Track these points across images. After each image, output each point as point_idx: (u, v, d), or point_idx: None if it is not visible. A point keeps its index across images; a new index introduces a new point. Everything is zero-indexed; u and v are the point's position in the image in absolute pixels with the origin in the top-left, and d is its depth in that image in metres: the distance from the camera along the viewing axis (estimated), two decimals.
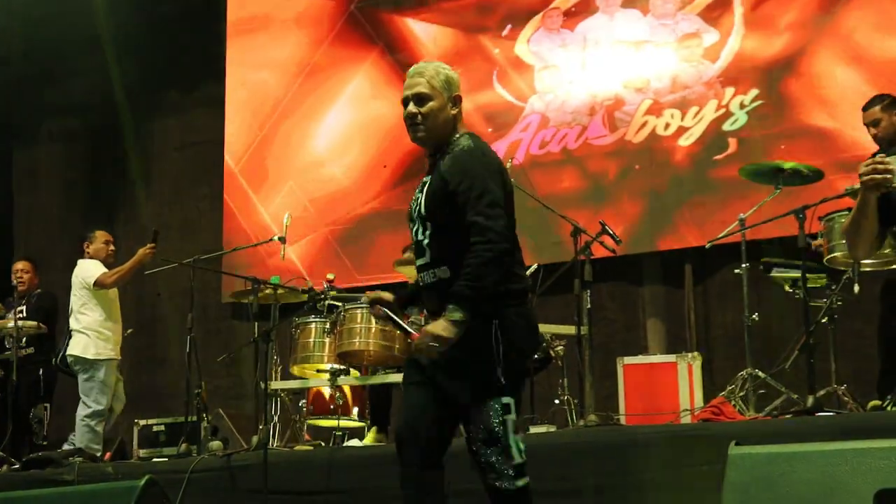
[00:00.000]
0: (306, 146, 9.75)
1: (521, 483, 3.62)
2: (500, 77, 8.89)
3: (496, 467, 3.61)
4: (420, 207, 3.76)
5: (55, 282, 8.97)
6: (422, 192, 3.78)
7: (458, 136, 3.78)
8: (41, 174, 11.00)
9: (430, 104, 3.75)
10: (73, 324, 7.58)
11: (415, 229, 3.81)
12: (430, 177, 3.78)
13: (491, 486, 3.63)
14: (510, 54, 8.88)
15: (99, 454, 7.26)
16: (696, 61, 8.21)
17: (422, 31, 9.36)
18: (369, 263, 8.92)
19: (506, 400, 3.61)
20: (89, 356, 7.47)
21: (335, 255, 9.17)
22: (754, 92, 7.91)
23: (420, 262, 3.79)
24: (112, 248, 7.76)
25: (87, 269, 7.60)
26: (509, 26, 8.93)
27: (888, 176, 3.21)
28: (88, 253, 7.71)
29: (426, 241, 3.75)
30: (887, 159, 3.28)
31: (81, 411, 7.44)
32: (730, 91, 8.00)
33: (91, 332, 7.56)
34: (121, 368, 7.83)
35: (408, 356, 3.91)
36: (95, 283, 7.49)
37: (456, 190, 3.63)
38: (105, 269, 7.56)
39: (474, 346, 3.60)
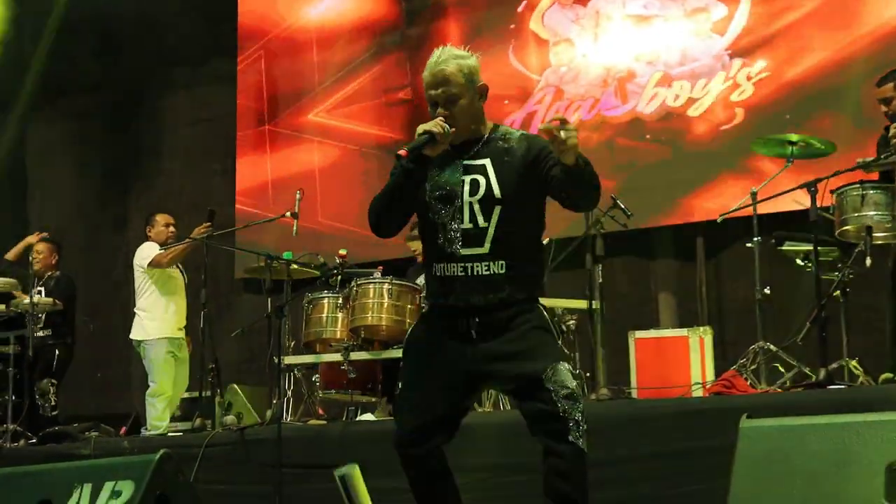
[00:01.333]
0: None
1: (587, 449, 3.63)
2: (516, 51, 9.01)
3: (581, 426, 3.59)
4: (487, 191, 3.70)
5: (71, 258, 9.00)
6: (482, 174, 3.72)
7: (493, 125, 3.82)
8: (55, 152, 11.01)
9: (461, 103, 3.71)
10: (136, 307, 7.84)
11: (465, 217, 3.71)
12: (486, 160, 3.73)
13: (570, 442, 3.59)
14: (525, 29, 9.01)
15: (162, 431, 7.35)
16: (704, 35, 8.33)
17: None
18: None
19: (569, 365, 3.67)
20: (139, 337, 7.73)
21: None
22: (761, 64, 8.02)
23: (469, 251, 3.71)
24: (172, 229, 7.87)
25: (143, 252, 7.81)
26: (524, 2, 9.05)
27: None
28: (150, 236, 7.88)
29: (490, 230, 3.69)
30: None
31: (147, 390, 7.66)
32: (737, 63, 8.14)
33: (143, 314, 7.78)
34: (191, 348, 7.94)
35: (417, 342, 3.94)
36: (150, 263, 7.68)
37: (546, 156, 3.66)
38: (160, 250, 7.69)
39: (534, 323, 3.70)
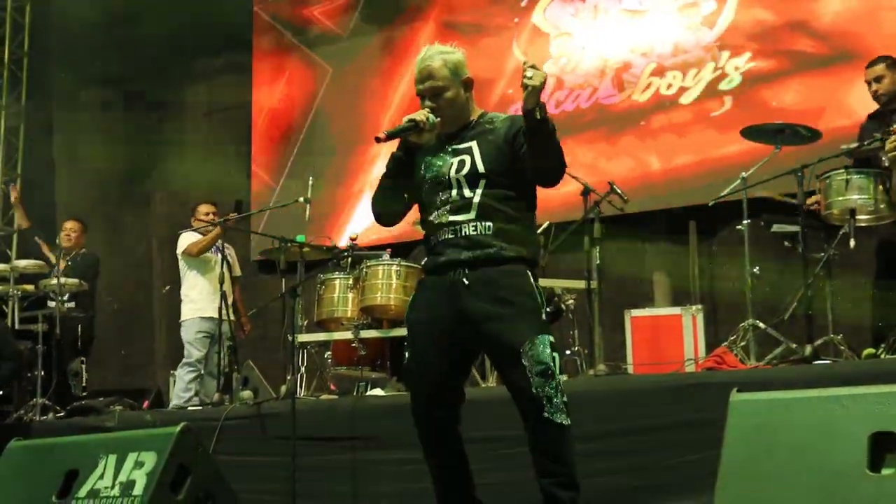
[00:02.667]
0: None
1: (567, 422, 3.65)
2: (520, 44, 9.05)
3: (553, 401, 3.62)
4: (472, 167, 3.81)
5: (95, 241, 9.01)
6: (468, 154, 3.83)
7: (481, 113, 3.93)
8: (81, 140, 11.00)
9: (446, 95, 3.84)
10: None
11: (452, 191, 3.83)
12: (472, 142, 3.85)
13: (546, 420, 3.63)
14: (528, 23, 9.08)
15: (185, 403, 7.42)
16: (695, 28, 8.40)
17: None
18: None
19: (551, 338, 3.68)
20: (181, 319, 7.82)
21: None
22: (747, 55, 8.09)
23: (457, 217, 3.81)
24: (211, 217, 7.84)
25: (180, 241, 7.89)
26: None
27: None
28: (192, 225, 7.93)
29: (476, 199, 3.79)
30: None
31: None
32: (725, 54, 8.22)
33: (183, 297, 7.87)
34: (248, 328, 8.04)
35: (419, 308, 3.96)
36: (184, 252, 7.77)
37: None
38: (195, 239, 7.76)
39: (522, 288, 3.74)
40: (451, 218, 3.82)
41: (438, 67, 3.82)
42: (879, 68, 5.99)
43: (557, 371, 3.67)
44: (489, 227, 3.78)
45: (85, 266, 8.43)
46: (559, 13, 9.02)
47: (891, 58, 6.07)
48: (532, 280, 3.78)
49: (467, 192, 3.81)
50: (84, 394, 7.97)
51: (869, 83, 6.06)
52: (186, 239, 7.82)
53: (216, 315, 7.46)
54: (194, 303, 7.80)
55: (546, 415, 3.62)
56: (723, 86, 8.15)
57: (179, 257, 7.91)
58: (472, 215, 3.80)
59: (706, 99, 8.20)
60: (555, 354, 3.67)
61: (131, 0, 10.14)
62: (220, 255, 7.62)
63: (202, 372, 7.66)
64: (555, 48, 8.95)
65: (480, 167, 3.81)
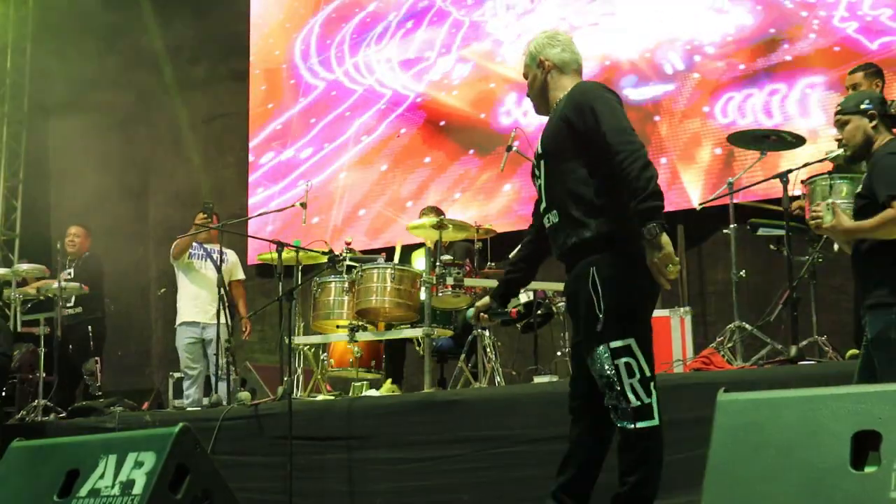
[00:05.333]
0: None
1: (641, 425, 3.56)
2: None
3: (617, 409, 3.57)
4: (538, 147, 3.82)
5: (93, 244, 8.99)
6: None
7: (558, 92, 3.84)
8: (77, 144, 10.98)
9: (529, 81, 3.93)
10: None
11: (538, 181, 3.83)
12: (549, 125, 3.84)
13: (619, 428, 3.60)
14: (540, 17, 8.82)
15: (183, 405, 7.47)
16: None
17: None
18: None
19: (614, 344, 3.56)
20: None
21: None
22: None
23: (542, 205, 3.81)
24: (194, 225, 7.79)
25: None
26: None
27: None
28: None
29: (541, 182, 3.78)
30: (819, 208, 3.60)
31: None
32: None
33: (178, 304, 7.88)
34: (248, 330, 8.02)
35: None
36: (172, 256, 7.81)
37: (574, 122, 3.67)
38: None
39: (579, 296, 3.63)
40: (542, 207, 3.84)
41: (524, 55, 3.94)
42: (857, 76, 6.00)
43: (622, 377, 3.55)
44: (556, 215, 3.72)
45: (90, 270, 8.42)
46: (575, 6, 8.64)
47: (872, 66, 6.06)
48: (591, 272, 3.58)
49: (538, 175, 3.80)
50: (100, 393, 7.95)
51: (847, 90, 6.07)
52: (173, 244, 7.87)
53: (199, 319, 7.48)
54: (181, 309, 7.86)
55: (617, 422, 3.60)
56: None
57: (173, 264, 7.94)
58: (544, 203, 3.79)
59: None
60: (617, 363, 3.55)
61: (131, 6, 10.12)
62: (208, 260, 7.61)
63: (195, 376, 7.66)
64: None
65: (540, 147, 3.79)
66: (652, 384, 3.59)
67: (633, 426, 3.56)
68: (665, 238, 3.45)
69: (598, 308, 3.58)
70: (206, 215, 7.66)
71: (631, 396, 3.56)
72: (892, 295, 3.78)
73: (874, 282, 3.85)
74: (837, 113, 4.21)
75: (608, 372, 3.57)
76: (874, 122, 4.01)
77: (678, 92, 8.17)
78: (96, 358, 8.10)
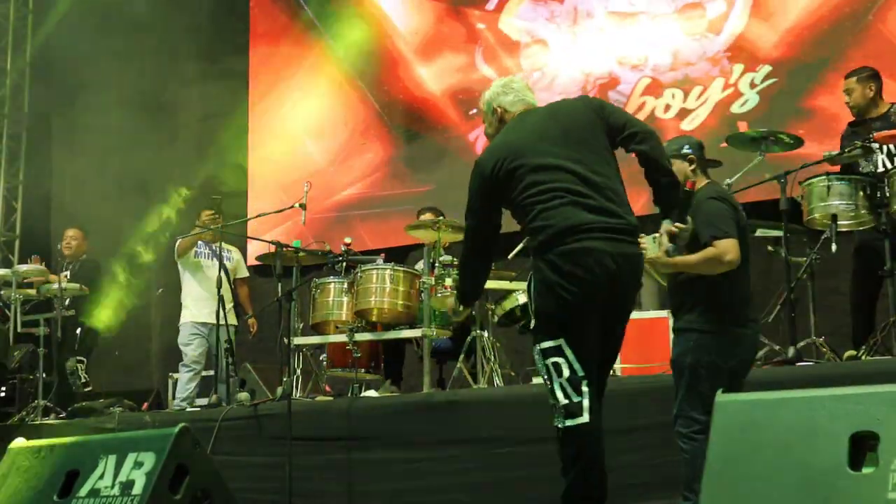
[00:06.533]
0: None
1: (570, 423, 3.63)
2: (486, 55, 8.05)
3: (555, 407, 3.66)
4: None
5: (94, 247, 8.98)
6: None
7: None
8: (78, 144, 10.97)
9: (486, 126, 4.18)
10: None
11: None
12: None
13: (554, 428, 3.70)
14: (496, 30, 7.95)
15: (186, 403, 7.46)
16: (699, 34, 7.17)
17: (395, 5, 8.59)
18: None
19: (544, 345, 3.69)
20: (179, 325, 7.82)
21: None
22: (766, 69, 6.94)
23: None
24: (205, 220, 7.72)
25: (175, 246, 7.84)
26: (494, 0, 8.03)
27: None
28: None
29: None
30: (643, 240, 3.97)
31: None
32: (738, 68, 6.98)
33: (182, 302, 7.87)
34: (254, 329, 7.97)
35: None
36: (176, 254, 7.80)
37: None
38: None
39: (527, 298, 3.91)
40: None
41: (480, 102, 4.16)
42: (850, 81, 6.07)
43: (551, 377, 3.67)
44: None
45: (86, 272, 8.41)
46: (532, 15, 7.70)
47: (867, 69, 6.10)
48: (530, 280, 3.82)
49: None
50: (86, 390, 7.92)
51: (844, 93, 6.10)
52: (176, 243, 7.83)
53: (209, 320, 7.46)
54: (188, 308, 7.82)
55: (553, 422, 3.70)
56: (736, 108, 6.95)
57: (177, 263, 7.92)
58: None
59: (715, 124, 6.87)
60: (546, 363, 3.68)
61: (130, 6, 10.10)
62: (214, 259, 7.60)
63: (198, 371, 7.66)
64: (526, 59, 7.71)
65: None
66: (584, 384, 3.64)
67: (562, 424, 3.64)
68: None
69: (530, 310, 3.80)
70: (213, 211, 7.63)
71: (559, 395, 3.64)
72: (698, 322, 4.12)
73: (686, 308, 4.18)
74: None
75: (541, 371, 3.71)
76: (693, 166, 4.35)
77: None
78: (79, 357, 8.07)
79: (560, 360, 3.65)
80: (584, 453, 3.66)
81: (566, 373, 3.64)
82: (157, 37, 10.31)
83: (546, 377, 3.69)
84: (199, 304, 7.73)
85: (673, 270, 4.20)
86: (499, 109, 4.05)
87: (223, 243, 7.48)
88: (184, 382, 7.62)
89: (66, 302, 8.09)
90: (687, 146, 4.38)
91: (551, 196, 3.73)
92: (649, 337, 6.40)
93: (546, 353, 3.68)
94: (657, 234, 4.06)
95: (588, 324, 3.70)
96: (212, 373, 7.57)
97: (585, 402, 3.63)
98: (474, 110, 7.67)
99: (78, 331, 8.20)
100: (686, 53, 7.21)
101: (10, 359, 8.26)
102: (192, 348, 7.68)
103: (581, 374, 3.64)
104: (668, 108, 7.22)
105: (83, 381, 7.95)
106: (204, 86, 10.48)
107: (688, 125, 7.14)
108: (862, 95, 6.02)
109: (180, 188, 7.88)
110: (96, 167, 10.59)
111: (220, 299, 7.11)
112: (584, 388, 3.64)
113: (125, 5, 10.02)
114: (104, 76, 10.68)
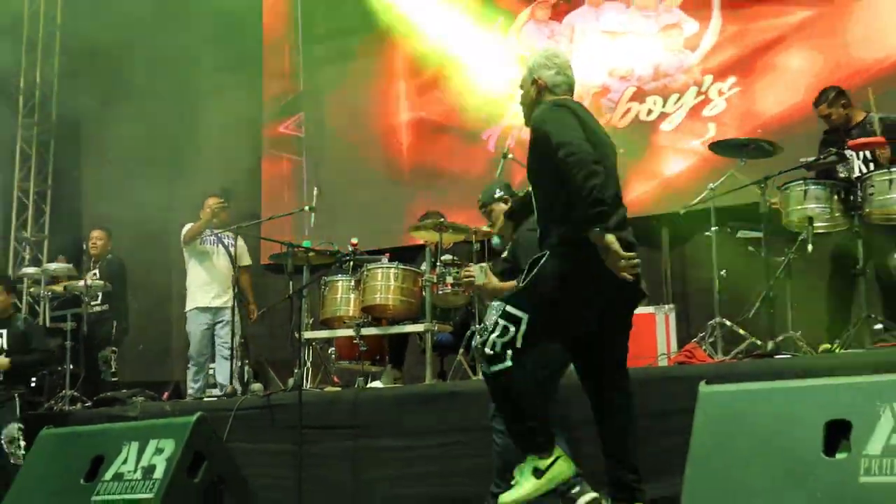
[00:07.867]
0: None
1: (495, 368, 3.60)
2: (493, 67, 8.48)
3: (478, 351, 3.67)
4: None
5: (120, 247, 8.99)
6: None
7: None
8: (107, 151, 10.96)
9: (522, 93, 4.00)
10: None
11: None
12: None
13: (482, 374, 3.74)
14: (503, 45, 8.51)
15: (194, 393, 7.46)
16: (676, 50, 7.86)
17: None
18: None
19: (510, 309, 3.60)
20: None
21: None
22: (732, 79, 7.62)
23: None
24: (209, 209, 7.70)
25: (181, 233, 7.77)
26: (501, 19, 8.60)
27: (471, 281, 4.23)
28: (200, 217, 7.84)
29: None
30: (471, 269, 3.81)
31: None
32: (708, 78, 7.68)
33: (187, 289, 7.80)
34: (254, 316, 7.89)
35: None
36: (183, 243, 7.76)
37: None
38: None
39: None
40: None
41: (523, 67, 4.02)
42: (822, 109, 6.08)
43: (498, 331, 3.62)
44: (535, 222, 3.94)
45: (111, 270, 8.43)
46: (535, 35, 8.36)
47: (831, 90, 6.10)
48: (541, 258, 3.75)
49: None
50: (114, 379, 7.94)
51: (822, 119, 6.10)
52: (184, 229, 7.78)
53: (212, 304, 7.44)
54: (191, 294, 7.78)
55: (481, 371, 3.74)
56: (706, 112, 7.63)
57: (183, 249, 7.86)
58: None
59: (689, 125, 7.67)
60: (500, 321, 3.62)
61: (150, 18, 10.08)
62: (220, 245, 7.58)
63: (202, 363, 7.65)
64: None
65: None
66: (510, 352, 3.57)
67: (488, 370, 3.62)
68: (609, 237, 3.53)
69: (523, 278, 3.70)
70: (222, 200, 7.62)
71: (489, 346, 3.58)
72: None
73: None
74: (480, 207, 5.23)
75: (489, 322, 3.62)
76: (510, 204, 4.75)
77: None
78: (112, 348, 8.09)
79: (511, 327, 3.58)
80: (513, 391, 3.62)
81: (507, 338, 3.58)
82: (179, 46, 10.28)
83: (489, 327, 3.61)
84: (203, 290, 7.72)
85: (499, 294, 4.37)
86: (540, 80, 3.90)
87: (228, 232, 7.45)
88: (191, 379, 7.64)
89: (97, 298, 8.12)
90: (499, 190, 4.98)
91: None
92: (637, 332, 6.33)
93: (507, 316, 3.59)
94: (483, 265, 4.36)
95: (568, 324, 3.72)
96: (213, 365, 7.60)
97: (509, 356, 3.58)
98: (483, 116, 8.26)
99: (114, 324, 8.19)
100: (665, 66, 7.89)
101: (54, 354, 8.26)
102: (197, 338, 7.68)
103: (520, 346, 3.59)
104: (650, 112, 7.90)
105: (113, 370, 7.96)
106: (223, 94, 10.48)
107: (667, 126, 7.83)
108: (838, 115, 6.03)
109: (208, 198, 7.81)
110: (122, 173, 10.61)
111: (235, 297, 7.11)
112: (511, 356, 3.57)
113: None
114: (130, 84, 10.68)
